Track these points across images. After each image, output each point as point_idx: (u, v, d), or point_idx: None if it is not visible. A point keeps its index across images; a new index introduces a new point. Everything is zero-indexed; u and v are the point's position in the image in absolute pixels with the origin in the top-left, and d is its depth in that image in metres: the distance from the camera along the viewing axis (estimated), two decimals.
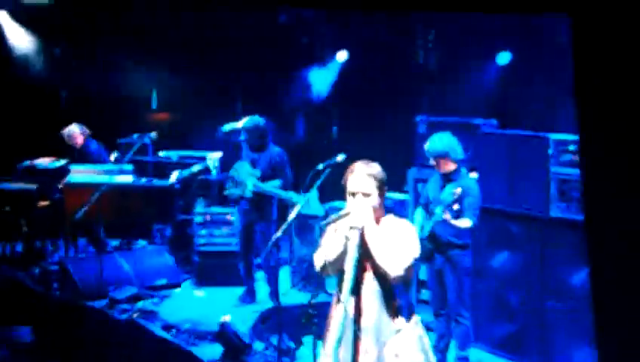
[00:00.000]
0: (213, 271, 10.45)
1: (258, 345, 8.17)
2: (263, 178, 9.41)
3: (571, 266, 7.83)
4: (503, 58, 11.50)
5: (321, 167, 7.63)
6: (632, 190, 2.92)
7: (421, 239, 7.65)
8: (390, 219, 5.36)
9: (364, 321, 5.21)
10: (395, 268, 5.13)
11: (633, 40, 2.84)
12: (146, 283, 10.03)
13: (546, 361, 8.10)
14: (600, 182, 3.06)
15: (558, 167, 7.95)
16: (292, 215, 7.13)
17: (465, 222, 7.51)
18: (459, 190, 7.43)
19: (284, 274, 10.40)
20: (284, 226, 7.23)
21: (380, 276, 5.19)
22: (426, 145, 7.81)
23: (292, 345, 8.11)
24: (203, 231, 10.53)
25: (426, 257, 7.69)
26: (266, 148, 9.56)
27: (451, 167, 7.76)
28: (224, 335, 7.92)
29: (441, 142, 7.74)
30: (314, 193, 10.27)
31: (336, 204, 10.22)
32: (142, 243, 11.52)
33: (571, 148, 7.89)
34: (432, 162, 7.83)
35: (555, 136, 8.00)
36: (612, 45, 2.85)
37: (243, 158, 9.64)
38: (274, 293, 9.60)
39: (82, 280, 9.74)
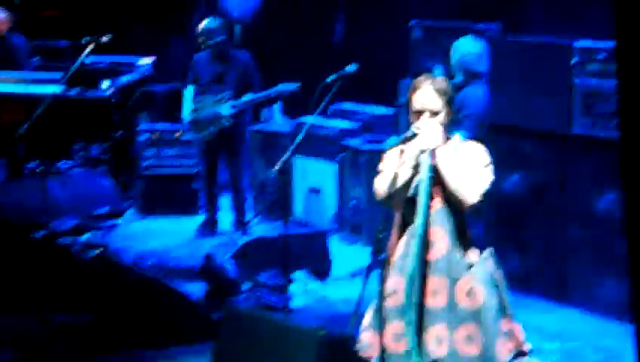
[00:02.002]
0: (162, 197, 9.80)
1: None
2: (235, 95, 8.79)
3: (596, 189, 7.50)
4: None
5: (330, 79, 7.06)
6: None
7: None
8: (458, 139, 5.01)
9: (433, 256, 4.88)
10: (471, 195, 4.83)
11: None
12: (85, 212, 9.31)
13: (564, 297, 7.80)
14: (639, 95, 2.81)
15: (582, 78, 7.56)
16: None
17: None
18: None
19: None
20: (292, 146, 6.80)
21: (451, 204, 4.89)
22: (452, 51, 7.37)
23: (282, 282, 7.60)
24: (149, 152, 9.83)
25: None
26: (233, 55, 8.88)
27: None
28: (210, 270, 7.35)
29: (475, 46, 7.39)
30: (277, 106, 9.74)
31: (305, 118, 9.66)
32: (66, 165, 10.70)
33: (600, 56, 7.51)
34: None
35: (579, 44, 7.59)
36: None
37: (202, 74, 8.93)
38: (240, 222, 9.07)
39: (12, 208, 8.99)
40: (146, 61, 10.87)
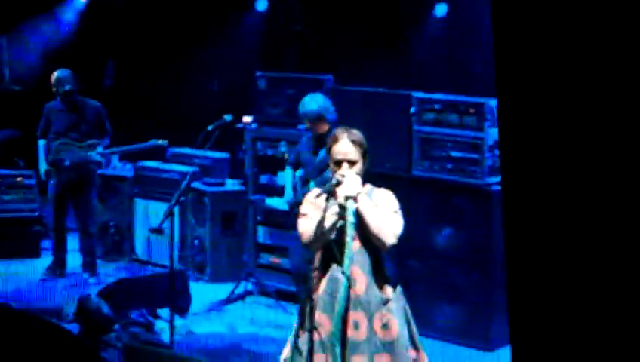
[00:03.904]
0: (2, 241, 9.99)
1: None
2: (84, 139, 9.23)
3: (433, 225, 8.36)
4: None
5: (210, 128, 7.62)
6: (553, 155, 3.02)
7: (294, 202, 7.92)
8: (370, 187, 5.58)
9: (353, 293, 5.38)
10: (389, 237, 5.40)
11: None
12: None
13: None
14: (519, 146, 3.03)
15: (420, 126, 8.39)
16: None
17: None
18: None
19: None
20: (176, 194, 7.33)
21: (368, 245, 5.42)
22: (300, 107, 8.03)
23: (152, 319, 8.07)
24: None
25: None
26: (83, 103, 9.33)
27: (325, 128, 8.00)
28: (85, 311, 7.67)
29: (315, 102, 8.01)
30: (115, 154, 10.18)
31: (149, 163, 10.18)
32: None
33: (436, 106, 8.39)
34: (306, 124, 8.08)
35: (418, 94, 8.44)
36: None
37: (55, 121, 9.30)
38: (89, 264, 9.46)
39: None
40: None
